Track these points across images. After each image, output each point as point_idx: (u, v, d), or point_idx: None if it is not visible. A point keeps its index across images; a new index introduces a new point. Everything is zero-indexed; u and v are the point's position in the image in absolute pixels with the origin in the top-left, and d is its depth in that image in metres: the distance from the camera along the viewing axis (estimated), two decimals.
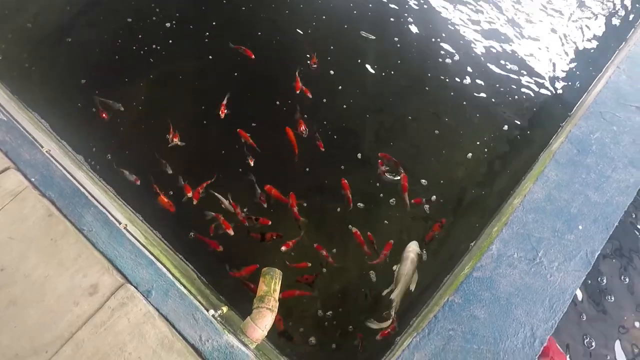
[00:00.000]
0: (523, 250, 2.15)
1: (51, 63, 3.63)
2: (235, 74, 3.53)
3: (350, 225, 2.81)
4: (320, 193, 3.00)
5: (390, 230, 2.84)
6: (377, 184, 3.02)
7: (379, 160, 3.05)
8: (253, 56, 3.50)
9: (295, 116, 3.18)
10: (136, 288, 1.93)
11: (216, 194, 2.85)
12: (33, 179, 2.17)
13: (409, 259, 2.53)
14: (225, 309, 2.02)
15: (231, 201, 2.80)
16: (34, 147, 2.32)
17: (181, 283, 2.00)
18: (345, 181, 2.93)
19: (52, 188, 2.16)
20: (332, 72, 3.52)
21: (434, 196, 3.00)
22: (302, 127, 3.09)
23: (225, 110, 3.20)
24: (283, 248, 2.64)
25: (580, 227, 2.21)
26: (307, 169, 3.06)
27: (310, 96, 3.30)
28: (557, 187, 2.32)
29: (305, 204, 2.89)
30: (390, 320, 2.37)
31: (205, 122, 3.28)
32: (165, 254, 2.26)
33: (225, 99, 3.24)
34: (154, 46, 3.72)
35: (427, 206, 2.95)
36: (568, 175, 2.35)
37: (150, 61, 3.62)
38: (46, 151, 2.31)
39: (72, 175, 2.25)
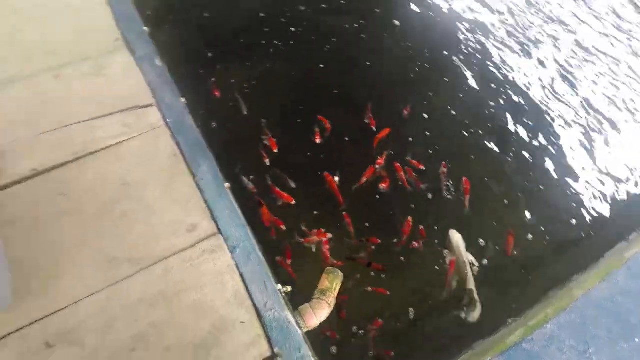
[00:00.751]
0: (576, 340, 2.19)
1: (190, 30, 4.14)
2: (335, 90, 3.86)
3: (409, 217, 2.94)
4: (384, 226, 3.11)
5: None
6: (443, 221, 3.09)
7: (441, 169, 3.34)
8: (374, 126, 3.56)
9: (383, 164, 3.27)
10: (225, 241, 2.15)
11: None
12: (169, 121, 2.51)
13: (460, 248, 2.78)
14: (289, 288, 2.19)
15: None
16: (174, 95, 2.68)
17: (262, 252, 2.20)
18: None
19: (181, 133, 2.48)
20: (425, 116, 3.77)
21: (485, 260, 3.08)
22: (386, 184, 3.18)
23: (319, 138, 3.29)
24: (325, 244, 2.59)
25: (636, 340, 2.23)
26: (377, 196, 3.22)
27: (424, 168, 3.39)
28: (623, 294, 2.36)
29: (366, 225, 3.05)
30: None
31: (299, 120, 3.55)
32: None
33: (317, 128, 3.36)
34: (275, 42, 4.16)
35: (475, 267, 3.02)
36: (637, 286, 2.39)
37: (270, 52, 4.05)
38: (182, 101, 2.66)
39: (197, 128, 2.57)
